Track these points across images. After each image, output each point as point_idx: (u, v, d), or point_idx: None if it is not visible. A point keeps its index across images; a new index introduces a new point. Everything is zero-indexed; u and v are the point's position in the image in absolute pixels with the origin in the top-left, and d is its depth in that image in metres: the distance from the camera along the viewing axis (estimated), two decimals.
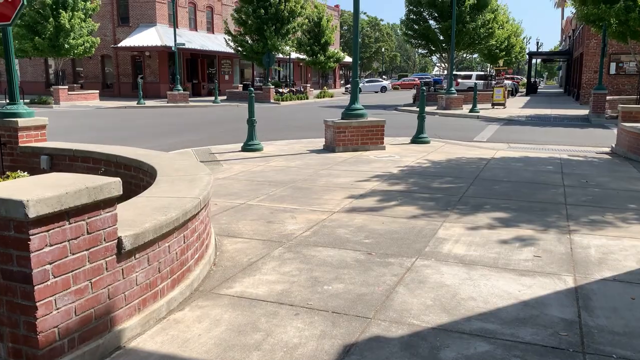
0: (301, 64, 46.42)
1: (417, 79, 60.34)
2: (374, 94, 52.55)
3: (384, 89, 56.48)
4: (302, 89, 37.67)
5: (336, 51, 45.43)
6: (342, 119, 11.15)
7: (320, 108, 27.10)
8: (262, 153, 10.61)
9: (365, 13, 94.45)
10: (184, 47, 31.58)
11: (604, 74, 21.40)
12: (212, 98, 32.15)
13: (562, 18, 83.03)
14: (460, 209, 6.19)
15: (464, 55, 43.77)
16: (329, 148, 11.08)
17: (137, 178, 5.70)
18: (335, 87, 64.17)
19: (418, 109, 12.39)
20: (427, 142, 12.23)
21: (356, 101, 11.22)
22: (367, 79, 64.07)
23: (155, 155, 5.87)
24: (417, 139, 12.30)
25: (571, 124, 18.65)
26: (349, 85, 58.47)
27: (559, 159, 10.20)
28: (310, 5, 40.31)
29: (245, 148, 10.83)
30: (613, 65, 28.93)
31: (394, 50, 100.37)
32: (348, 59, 65.82)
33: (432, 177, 8.17)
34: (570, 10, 26.47)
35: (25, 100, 30.25)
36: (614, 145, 11.55)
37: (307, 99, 36.12)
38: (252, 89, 10.80)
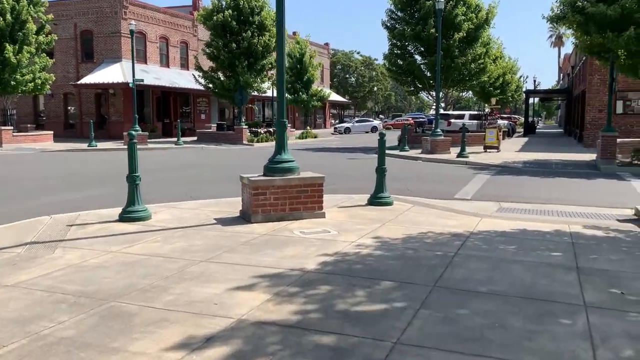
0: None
1: (410, 118, 57.77)
2: (364, 134, 49.82)
3: (374, 129, 53.75)
4: None
5: (320, 89, 42.82)
6: (263, 174, 8.01)
7: (293, 151, 23.98)
8: (141, 225, 7.39)
9: (358, 52, 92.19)
10: (144, 83, 28.68)
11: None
12: (183, 139, 29.21)
13: (559, 56, 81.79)
14: None
15: (457, 93, 40.98)
16: (245, 216, 7.89)
17: None
18: (326, 127, 61.51)
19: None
20: (389, 204, 9.05)
21: (283, 150, 8.11)
22: (357, 119, 61.44)
23: None
24: (375, 200, 9.12)
25: (577, 173, 15.50)
26: (340, 124, 55.71)
27: (568, 235, 7.01)
28: (291, 41, 37.90)
29: (123, 217, 7.63)
30: (620, 104, 25.89)
31: (389, 90, 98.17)
32: (336, 97, 63.55)
33: (364, 280, 4.93)
34: (571, 42, 23.90)
35: None
36: (639, 208, 8.44)
37: None
38: (132, 132, 7.64)
